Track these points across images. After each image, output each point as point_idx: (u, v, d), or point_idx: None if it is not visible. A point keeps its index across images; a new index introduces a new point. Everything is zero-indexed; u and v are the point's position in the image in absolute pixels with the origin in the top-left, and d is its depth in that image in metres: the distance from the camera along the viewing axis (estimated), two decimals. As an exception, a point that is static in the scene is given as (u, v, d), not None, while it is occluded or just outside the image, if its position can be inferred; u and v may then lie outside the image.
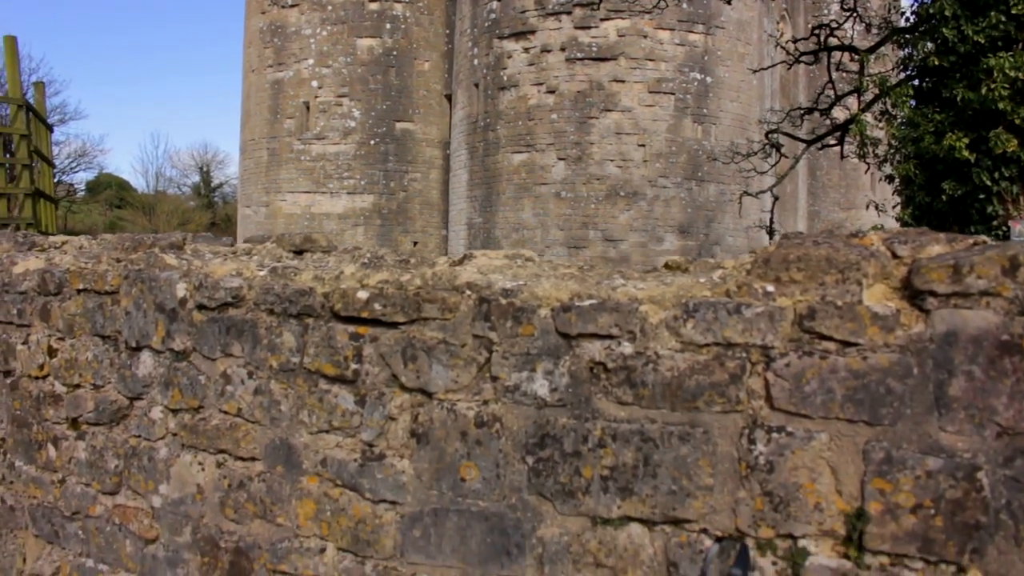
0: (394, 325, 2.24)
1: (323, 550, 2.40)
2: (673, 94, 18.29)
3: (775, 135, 12.42)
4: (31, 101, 9.21)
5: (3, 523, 3.41)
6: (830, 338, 1.78)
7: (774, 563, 1.86)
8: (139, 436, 2.84)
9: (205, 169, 50.53)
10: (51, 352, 3.20)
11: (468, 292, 2.13)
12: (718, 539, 1.30)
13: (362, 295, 2.27)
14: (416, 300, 2.19)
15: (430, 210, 22.97)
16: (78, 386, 3.08)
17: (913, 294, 1.77)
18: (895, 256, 1.86)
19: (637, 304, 1.93)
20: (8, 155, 8.76)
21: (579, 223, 18.41)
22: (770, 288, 1.85)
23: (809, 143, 12.30)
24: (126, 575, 2.90)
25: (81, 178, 42.67)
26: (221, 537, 2.60)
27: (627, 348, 1.94)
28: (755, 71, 16.61)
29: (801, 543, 1.84)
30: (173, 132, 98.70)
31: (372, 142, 22.76)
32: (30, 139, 8.48)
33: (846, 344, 1.77)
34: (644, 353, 1.92)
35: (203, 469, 2.66)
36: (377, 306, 2.25)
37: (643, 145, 18.33)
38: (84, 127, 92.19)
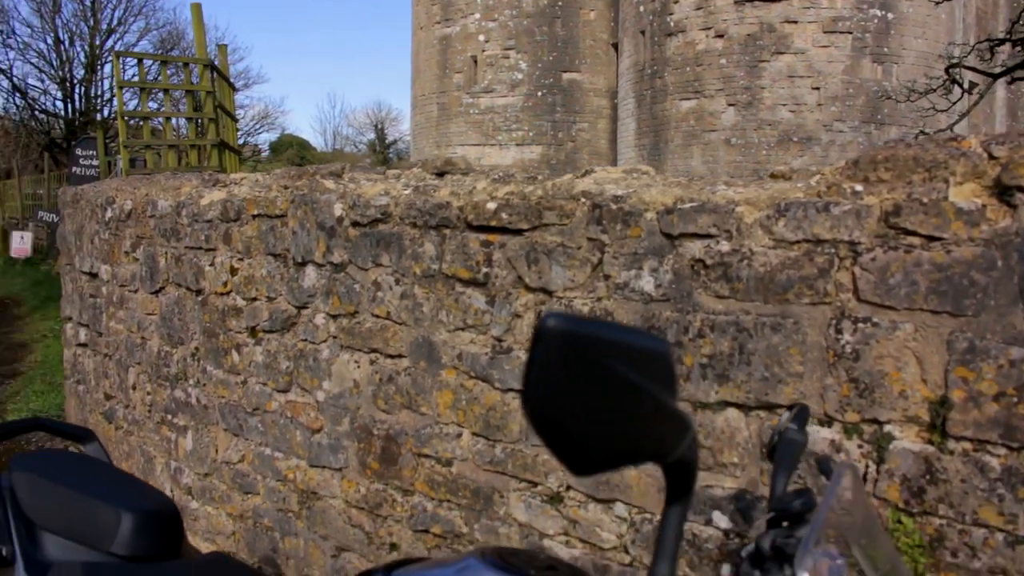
0: (519, 232, 2.47)
1: (459, 435, 2.69)
2: (850, 33, 17.45)
3: (956, 70, 11.72)
4: (215, 62, 9.98)
5: (200, 419, 3.93)
6: (915, 233, 1.87)
7: (860, 446, 1.99)
8: (305, 340, 3.23)
9: (379, 126, 52.49)
10: (232, 271, 3.64)
11: (583, 200, 2.34)
12: (789, 407, 1.45)
13: (491, 206, 2.52)
14: (537, 208, 2.42)
15: (598, 160, 23.04)
16: (255, 299, 3.50)
17: (1002, 190, 1.83)
18: (992, 157, 1.92)
19: (734, 206, 2.08)
20: (196, 111, 9.59)
21: (750, 170, 17.98)
22: (858, 188, 1.95)
23: (995, 76, 11.54)
24: (297, 460, 3.32)
25: (265, 139, 45.38)
26: (374, 425, 2.95)
27: (724, 246, 2.09)
28: (938, 2, 15.60)
29: (886, 428, 1.96)
30: (348, 92, 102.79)
31: (539, 93, 22.98)
32: (215, 95, 9.26)
33: (930, 239, 1.86)
34: (739, 250, 2.07)
35: (358, 366, 3.00)
36: (504, 215, 2.49)
37: (817, 88, 17.61)
38: (266, 91, 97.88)
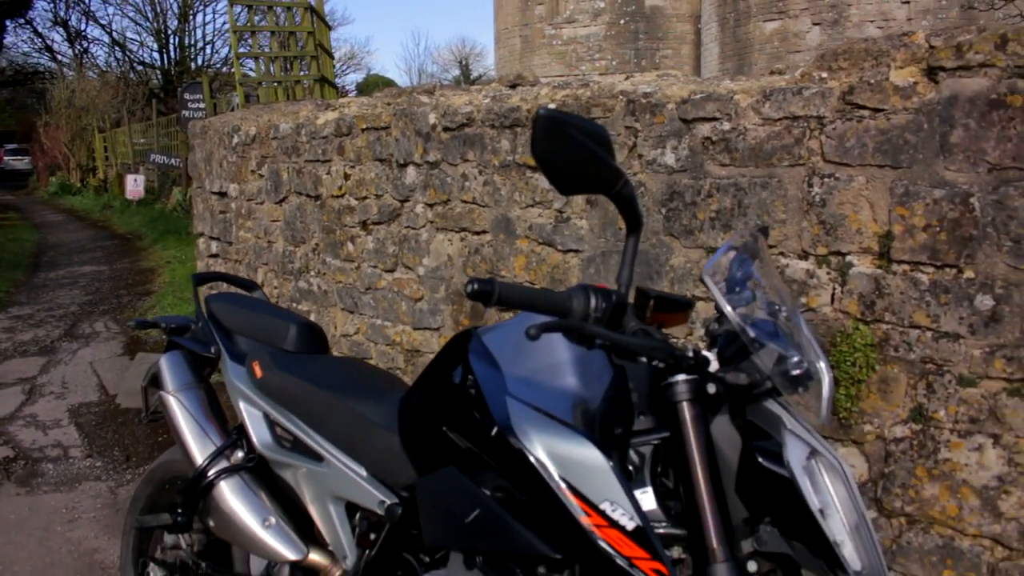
0: (573, 126, 3.15)
1: (531, 291, 3.42)
2: (942, -62, 17.08)
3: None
4: (312, 3, 10.77)
5: (320, 303, 4.76)
6: (864, 107, 2.49)
7: (828, 273, 2.63)
8: (408, 227, 3.99)
9: (464, 62, 52.90)
10: (346, 177, 4.41)
11: (621, 96, 3.00)
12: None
13: (552, 106, 3.20)
14: (587, 105, 3.09)
15: (680, 88, 23.07)
16: (365, 198, 4.27)
17: (930, 71, 2.43)
18: (931, 47, 2.50)
19: (732, 94, 2.72)
20: (299, 50, 10.44)
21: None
22: (824, 75, 2.57)
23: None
24: (402, 327, 4.11)
25: (352, 80, 46.29)
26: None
27: (726, 125, 2.74)
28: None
29: (847, 258, 2.60)
30: (432, 28, 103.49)
31: (622, 21, 23.09)
32: (314, 35, 10.08)
33: (876, 110, 2.47)
34: (737, 128, 2.71)
35: (451, 243, 3.75)
36: (561, 113, 3.17)
37: (907, 2, 17.34)
38: (351, 31, 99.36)
